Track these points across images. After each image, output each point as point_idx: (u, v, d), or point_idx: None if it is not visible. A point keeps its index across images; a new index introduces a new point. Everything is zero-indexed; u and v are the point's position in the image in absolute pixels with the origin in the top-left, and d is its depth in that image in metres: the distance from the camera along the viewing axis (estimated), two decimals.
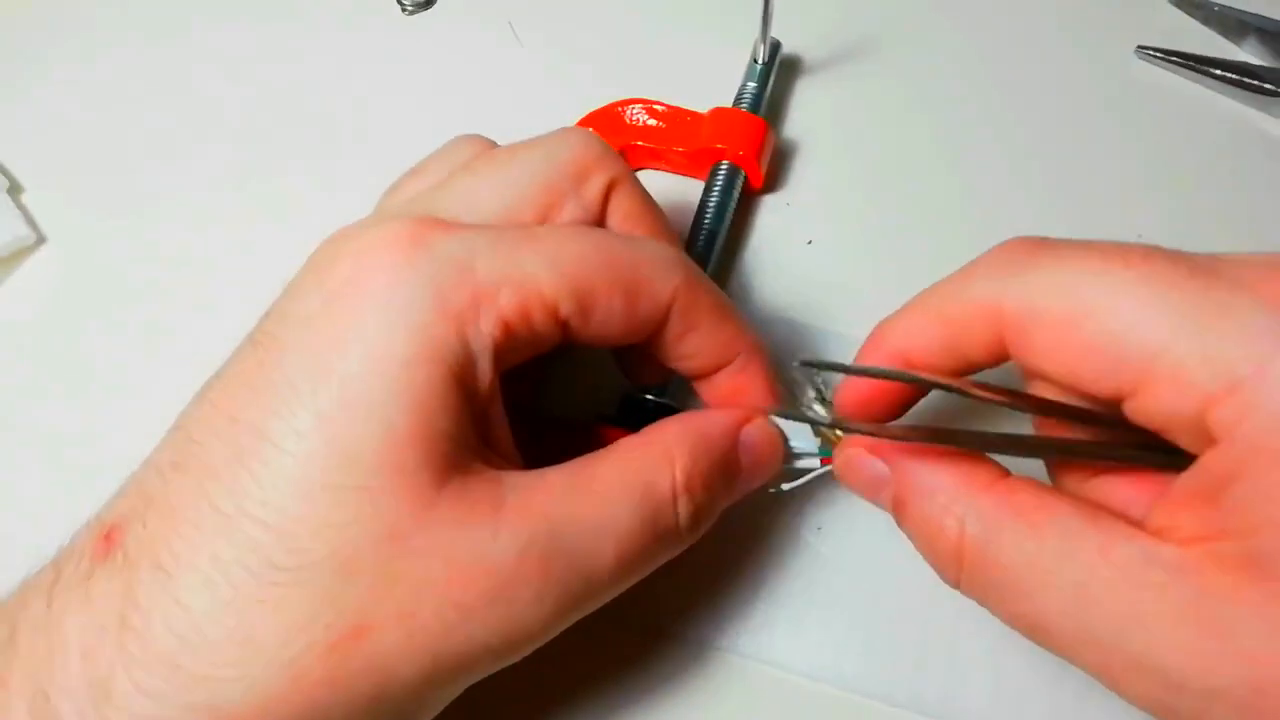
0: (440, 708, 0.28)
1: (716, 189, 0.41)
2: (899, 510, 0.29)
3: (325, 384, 0.26)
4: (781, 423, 0.33)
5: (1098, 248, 0.26)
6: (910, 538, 0.29)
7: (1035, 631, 0.26)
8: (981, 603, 0.27)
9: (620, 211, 0.32)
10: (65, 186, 0.45)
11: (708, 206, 0.41)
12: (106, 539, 0.26)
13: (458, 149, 0.33)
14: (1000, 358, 0.28)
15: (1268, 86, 0.45)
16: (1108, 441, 0.28)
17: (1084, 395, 0.27)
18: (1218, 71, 0.46)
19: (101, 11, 0.49)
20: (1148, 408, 0.25)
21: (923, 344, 0.29)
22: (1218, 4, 0.48)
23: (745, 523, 0.36)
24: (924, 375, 0.28)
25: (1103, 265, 0.25)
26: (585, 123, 0.44)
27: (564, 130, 0.33)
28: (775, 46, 0.44)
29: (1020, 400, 0.28)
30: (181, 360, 0.40)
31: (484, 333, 0.27)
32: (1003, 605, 0.26)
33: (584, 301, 0.28)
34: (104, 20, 0.49)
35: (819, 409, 0.34)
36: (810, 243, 0.43)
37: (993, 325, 0.27)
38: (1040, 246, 0.28)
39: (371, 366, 0.26)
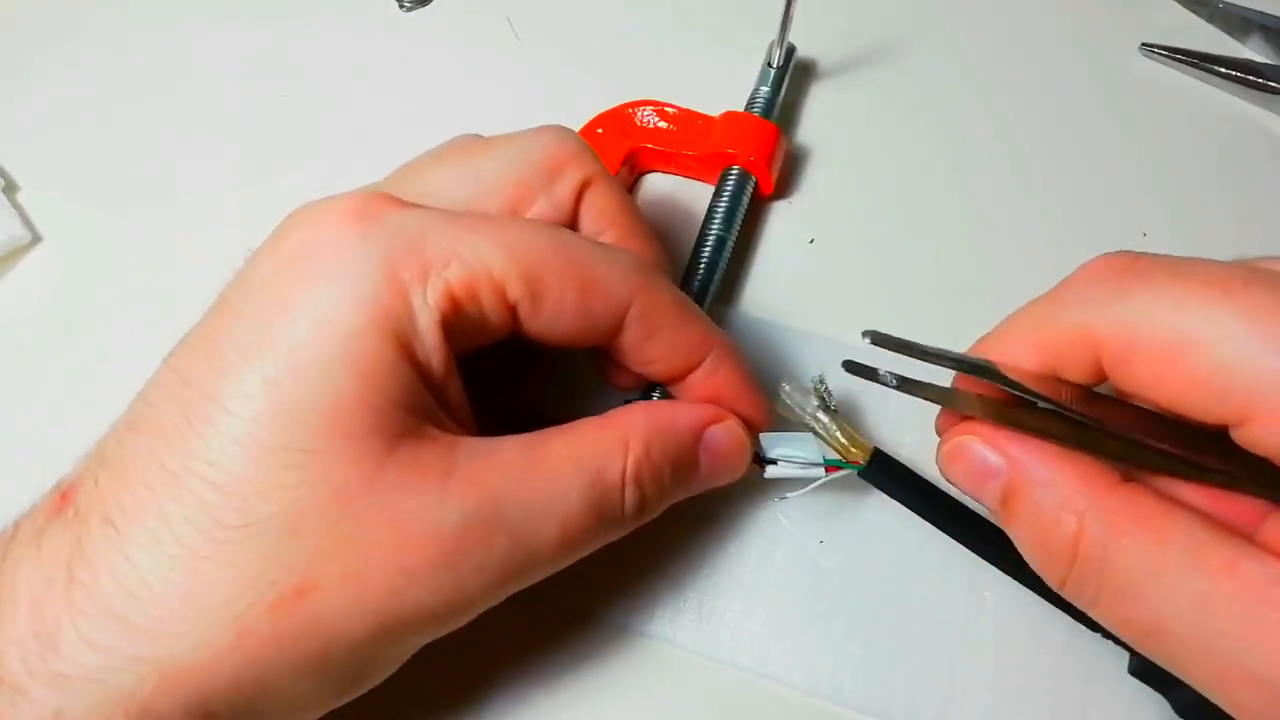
0: (393, 667, 0.29)
1: (726, 194, 0.41)
2: (1008, 503, 0.28)
3: (273, 349, 0.26)
4: (786, 432, 0.34)
5: (1193, 273, 0.26)
6: (1015, 533, 0.29)
7: (1147, 638, 0.26)
8: (1086, 604, 0.27)
9: (594, 210, 0.32)
10: (61, 185, 0.44)
11: (716, 212, 0.40)
12: (62, 497, 0.27)
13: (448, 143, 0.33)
14: (1098, 380, 0.28)
15: (1272, 84, 0.46)
16: (1211, 465, 0.28)
17: (1188, 419, 0.27)
18: (1222, 69, 0.46)
19: (98, 10, 0.49)
20: (1257, 437, 0.25)
21: (1019, 370, 0.29)
22: (1222, 1, 0.48)
23: (746, 537, 0.36)
24: (1020, 381, 0.28)
25: (1201, 295, 0.25)
26: (595, 123, 0.43)
27: (543, 127, 0.33)
28: (790, 51, 0.44)
29: (1117, 419, 0.28)
30: None
31: (429, 304, 0.27)
32: (1114, 608, 0.27)
33: (534, 288, 0.28)
34: (100, 19, 0.48)
35: (822, 417, 0.34)
36: (812, 241, 0.43)
37: (1089, 352, 0.27)
38: (1131, 267, 0.27)
39: (319, 333, 0.26)
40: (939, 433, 0.31)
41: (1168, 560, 0.25)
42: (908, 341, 0.29)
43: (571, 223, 0.32)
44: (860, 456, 0.34)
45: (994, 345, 0.29)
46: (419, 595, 0.26)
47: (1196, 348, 0.25)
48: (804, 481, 0.34)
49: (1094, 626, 0.33)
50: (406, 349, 0.27)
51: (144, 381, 0.40)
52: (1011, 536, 0.29)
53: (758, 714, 0.34)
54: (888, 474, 0.34)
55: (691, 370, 0.32)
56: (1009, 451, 0.28)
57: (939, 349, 0.29)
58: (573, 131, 0.33)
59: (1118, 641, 0.33)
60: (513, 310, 0.29)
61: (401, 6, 0.48)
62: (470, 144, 0.32)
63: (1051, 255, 0.42)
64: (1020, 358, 0.29)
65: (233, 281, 0.29)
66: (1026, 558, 0.28)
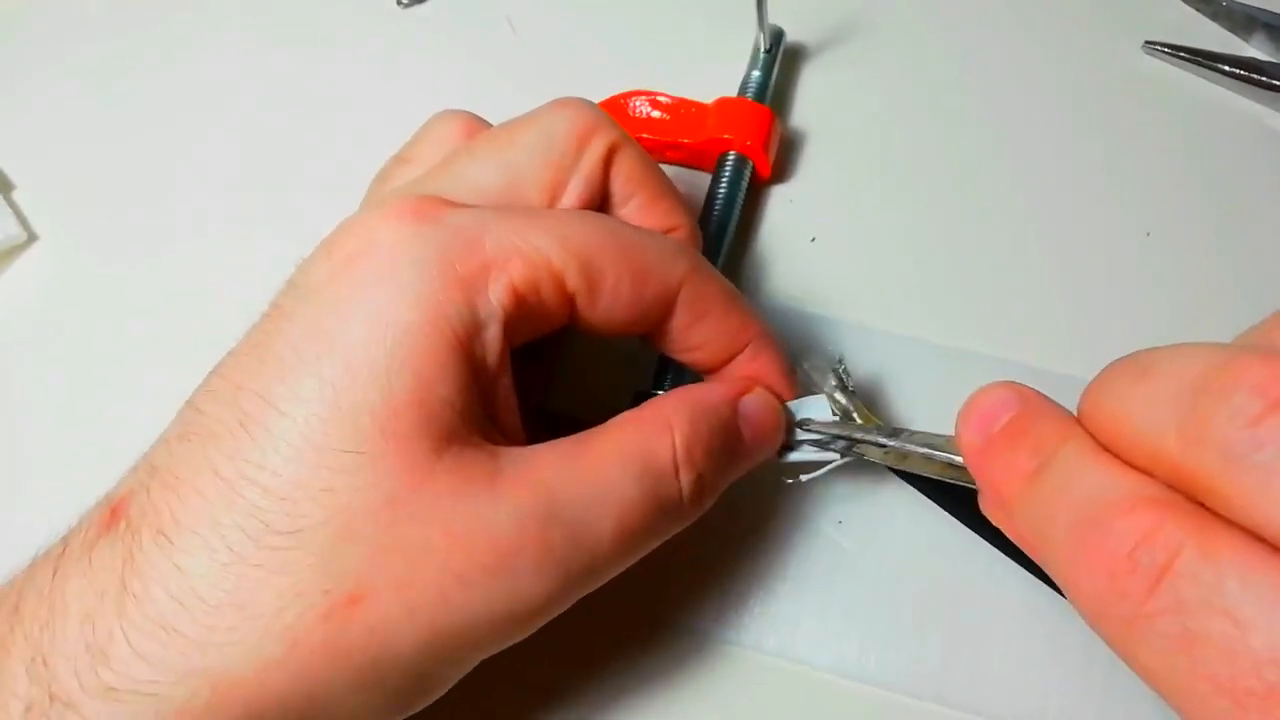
0: (446, 685, 0.28)
1: (725, 180, 0.41)
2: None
3: (329, 350, 0.26)
4: (803, 398, 0.33)
5: None
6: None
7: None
8: None
9: (622, 175, 0.32)
10: (57, 185, 0.45)
11: (716, 197, 0.40)
12: (112, 512, 0.26)
13: (442, 128, 0.33)
14: None
15: (1276, 82, 0.45)
16: None
17: None
18: (1226, 67, 0.46)
19: (93, 9, 0.49)
20: None
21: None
22: None
23: (765, 517, 0.36)
24: None
25: None
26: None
27: (556, 102, 0.32)
28: (778, 35, 0.44)
29: None
30: (174, 359, 0.39)
31: (494, 301, 0.27)
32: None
33: (592, 278, 0.28)
34: (96, 17, 0.49)
35: (840, 397, 0.33)
36: (814, 240, 0.42)
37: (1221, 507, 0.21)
38: (1267, 419, 0.20)
39: (375, 332, 0.26)
40: None
41: None
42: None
43: (602, 191, 0.32)
44: None
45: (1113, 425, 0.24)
46: (473, 603, 0.25)
47: None
48: (820, 464, 0.33)
49: None
50: (464, 349, 0.26)
51: (135, 381, 0.40)
52: None
53: (785, 695, 0.34)
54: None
55: (734, 357, 0.32)
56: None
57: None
58: (585, 100, 0.33)
59: None
60: (571, 301, 0.28)
61: (399, 3, 0.48)
62: (494, 134, 0.32)
63: (1052, 253, 0.42)
64: (1136, 452, 0.23)
65: (284, 288, 0.28)
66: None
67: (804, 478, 0.34)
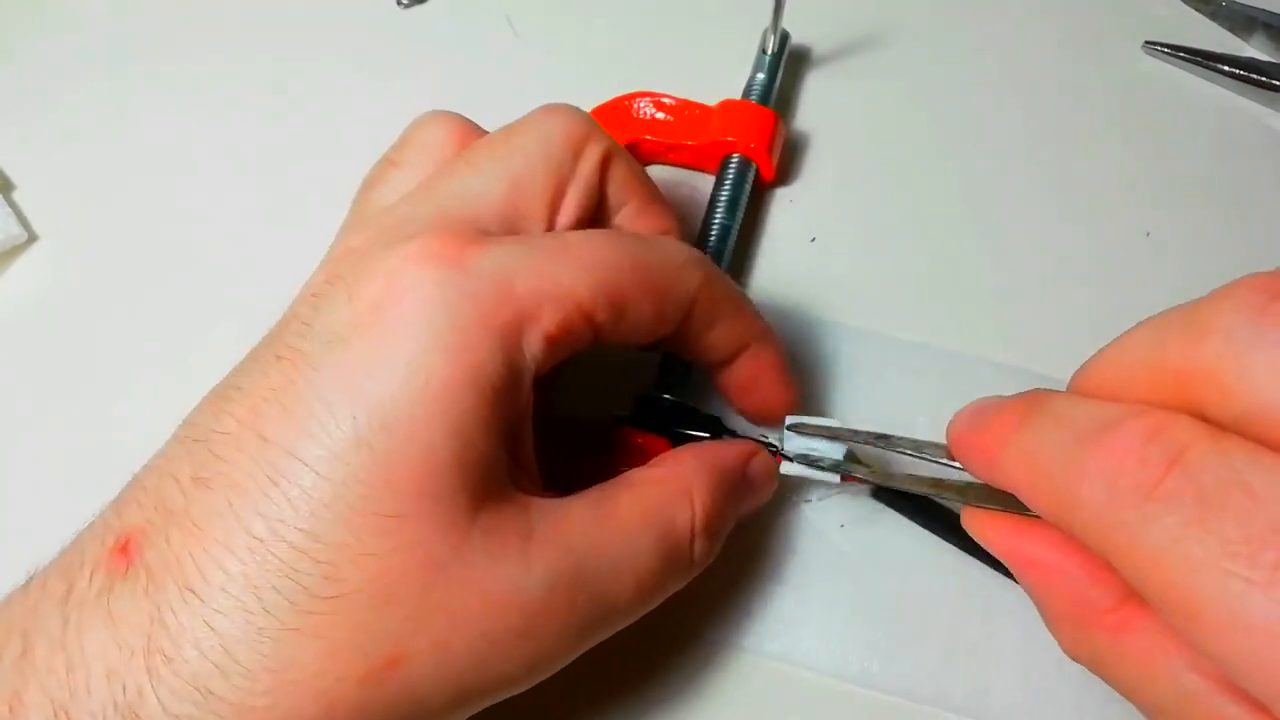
0: None
1: (728, 183, 0.41)
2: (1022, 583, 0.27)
3: (362, 407, 0.25)
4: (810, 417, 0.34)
5: None
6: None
7: None
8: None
9: (616, 181, 0.32)
10: (57, 184, 0.44)
11: (719, 200, 0.40)
12: (122, 551, 0.25)
13: (430, 132, 0.33)
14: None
15: (1275, 83, 0.45)
16: None
17: None
18: (1225, 67, 0.46)
19: (92, 8, 0.49)
20: None
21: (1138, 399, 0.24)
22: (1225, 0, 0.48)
23: (767, 523, 0.36)
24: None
25: None
26: (592, 116, 0.43)
27: (546, 109, 0.32)
28: (784, 37, 0.44)
29: None
30: (174, 360, 0.40)
31: (529, 355, 0.27)
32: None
33: (618, 307, 0.28)
34: (95, 17, 0.48)
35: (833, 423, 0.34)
36: (814, 240, 0.42)
37: (1222, 399, 0.22)
38: (1270, 307, 0.22)
39: (412, 390, 0.25)
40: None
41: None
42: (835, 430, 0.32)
43: (599, 197, 0.32)
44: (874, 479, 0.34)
45: (1108, 370, 0.25)
46: (501, 663, 0.26)
47: None
48: (828, 485, 0.35)
49: None
50: (500, 402, 0.26)
51: (134, 382, 0.40)
52: None
53: (786, 699, 0.34)
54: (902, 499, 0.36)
55: (739, 355, 0.33)
56: (1015, 556, 0.27)
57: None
58: (575, 107, 0.33)
59: None
60: (597, 330, 0.28)
61: (399, 3, 0.48)
62: (491, 142, 0.31)
63: (1053, 254, 0.42)
64: (1138, 388, 0.24)
65: (292, 326, 0.27)
66: None
67: (813, 499, 0.35)
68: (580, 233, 0.30)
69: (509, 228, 0.30)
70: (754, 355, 0.33)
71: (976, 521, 0.28)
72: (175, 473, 0.26)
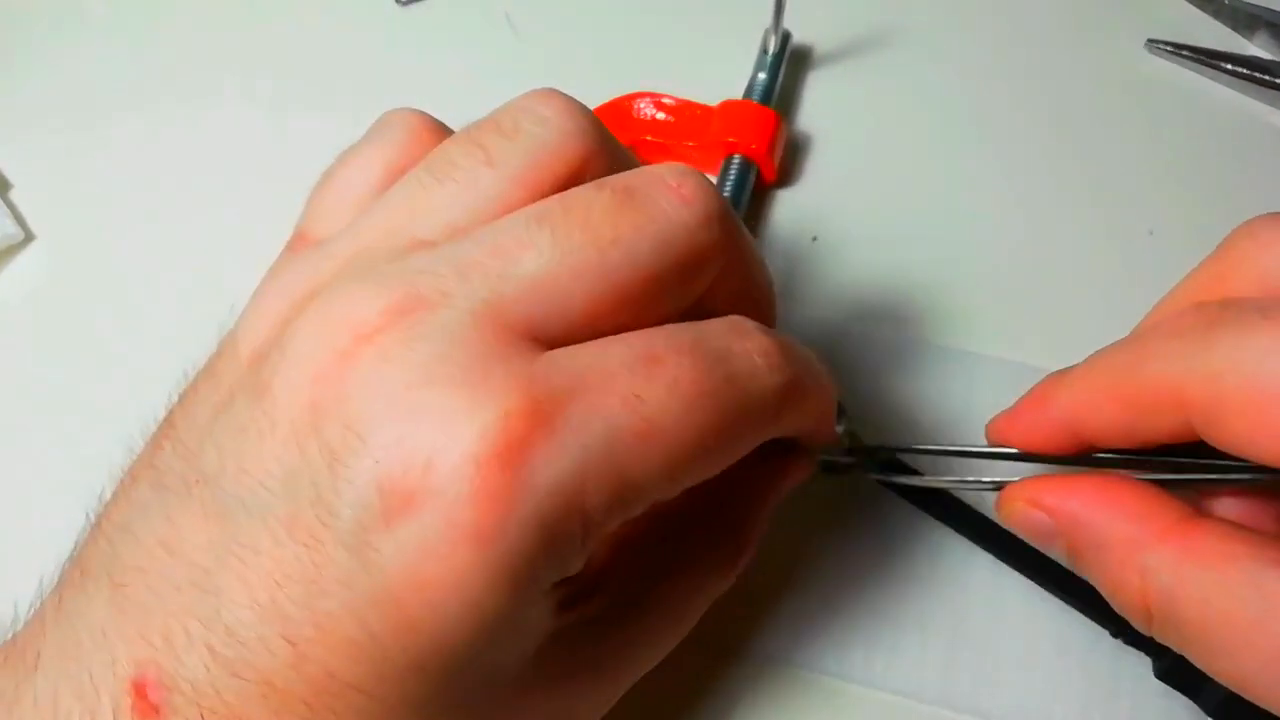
0: None
1: (729, 184, 0.40)
2: (1075, 561, 0.26)
3: (411, 636, 0.22)
4: None
5: None
6: (1097, 587, 0.26)
7: (1243, 690, 0.23)
8: (1185, 655, 0.25)
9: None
10: (54, 184, 0.44)
11: None
12: (139, 694, 0.22)
13: (393, 132, 0.29)
14: (1188, 439, 0.25)
15: (1278, 81, 0.45)
16: None
17: None
18: (1229, 66, 0.46)
19: (91, 7, 0.48)
20: None
21: (1098, 423, 0.26)
22: None
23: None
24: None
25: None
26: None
27: (534, 110, 0.27)
28: (786, 37, 0.44)
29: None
30: (172, 360, 0.39)
31: (580, 561, 0.24)
32: (1203, 661, 0.24)
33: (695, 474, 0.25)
34: (93, 16, 0.48)
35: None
36: (815, 239, 0.42)
37: (1178, 410, 0.24)
38: (1220, 317, 0.24)
39: (462, 625, 0.22)
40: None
41: (1236, 607, 0.23)
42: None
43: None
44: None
45: (1071, 390, 0.27)
46: None
47: None
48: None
49: (1116, 634, 0.33)
50: (547, 608, 0.25)
51: (131, 382, 0.39)
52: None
53: (789, 699, 0.34)
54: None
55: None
56: (1060, 509, 0.26)
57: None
58: (575, 105, 0.27)
59: (1142, 648, 0.33)
60: None
61: (398, 1, 0.48)
62: (468, 156, 0.26)
63: (1054, 252, 0.42)
64: (1100, 409, 0.26)
65: (312, 494, 0.22)
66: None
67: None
68: (662, 394, 0.23)
69: (575, 327, 0.24)
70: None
71: (1014, 497, 0.27)
72: (180, 614, 0.23)
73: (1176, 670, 0.32)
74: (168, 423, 0.27)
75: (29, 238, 0.43)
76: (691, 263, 0.25)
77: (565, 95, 0.27)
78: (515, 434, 0.21)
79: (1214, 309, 0.25)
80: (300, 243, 0.29)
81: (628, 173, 0.26)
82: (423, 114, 0.30)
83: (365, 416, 0.22)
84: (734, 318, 0.26)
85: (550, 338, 0.23)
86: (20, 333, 0.41)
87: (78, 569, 0.25)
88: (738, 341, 0.25)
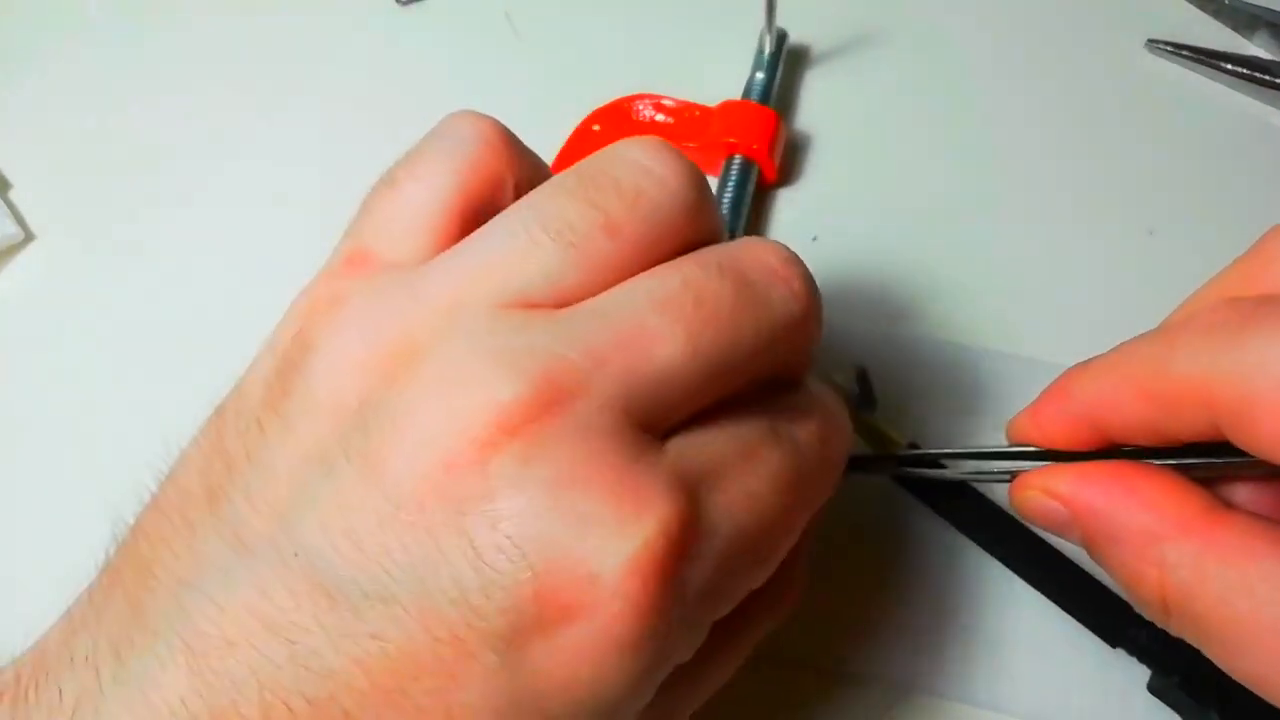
0: None
1: (731, 184, 0.40)
2: (1091, 551, 0.26)
3: None
4: None
5: None
6: (1113, 579, 0.26)
7: (1262, 690, 0.23)
8: (1203, 651, 0.24)
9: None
10: (54, 183, 0.44)
11: (722, 202, 0.40)
12: None
13: (463, 143, 0.26)
14: (1214, 439, 0.24)
15: (1278, 81, 0.45)
16: None
17: None
18: (1229, 66, 0.46)
19: (91, 6, 0.48)
20: None
21: (1121, 419, 0.26)
22: None
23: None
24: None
25: None
26: (592, 119, 0.43)
27: (643, 155, 0.26)
28: (782, 36, 0.44)
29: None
30: (172, 360, 0.39)
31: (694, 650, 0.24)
32: (1220, 659, 0.23)
33: None
34: (93, 15, 0.48)
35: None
36: (815, 239, 0.42)
37: (1204, 408, 0.23)
38: (1254, 313, 0.23)
39: None
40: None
41: (1255, 605, 0.22)
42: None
43: None
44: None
45: (1095, 383, 0.26)
46: None
47: None
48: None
49: (1113, 643, 0.33)
50: None
51: (131, 382, 0.40)
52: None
53: (806, 697, 0.34)
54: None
55: None
56: (1075, 498, 0.26)
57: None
58: (683, 161, 0.26)
59: (1140, 658, 0.33)
60: None
61: (398, 1, 0.48)
62: (584, 219, 0.24)
63: (1055, 251, 0.42)
64: (1124, 404, 0.25)
65: (462, 611, 0.21)
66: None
67: None
68: (769, 478, 0.24)
69: (685, 413, 0.24)
70: None
71: (1027, 485, 0.27)
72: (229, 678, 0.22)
73: (1168, 687, 0.32)
74: (224, 463, 0.24)
75: (29, 238, 0.43)
76: (787, 348, 0.26)
77: (672, 149, 0.26)
78: (672, 545, 0.21)
79: (1248, 305, 0.24)
80: (364, 262, 0.26)
81: (737, 253, 0.26)
82: (493, 121, 0.27)
83: (514, 518, 0.21)
84: (793, 402, 0.27)
85: (669, 426, 0.24)
86: (19, 332, 0.41)
87: (136, 622, 0.23)
88: (800, 428, 0.26)
